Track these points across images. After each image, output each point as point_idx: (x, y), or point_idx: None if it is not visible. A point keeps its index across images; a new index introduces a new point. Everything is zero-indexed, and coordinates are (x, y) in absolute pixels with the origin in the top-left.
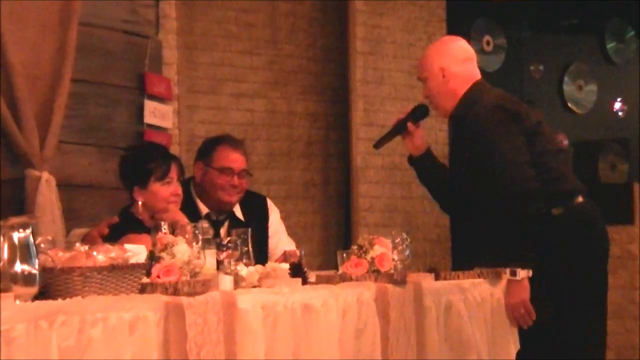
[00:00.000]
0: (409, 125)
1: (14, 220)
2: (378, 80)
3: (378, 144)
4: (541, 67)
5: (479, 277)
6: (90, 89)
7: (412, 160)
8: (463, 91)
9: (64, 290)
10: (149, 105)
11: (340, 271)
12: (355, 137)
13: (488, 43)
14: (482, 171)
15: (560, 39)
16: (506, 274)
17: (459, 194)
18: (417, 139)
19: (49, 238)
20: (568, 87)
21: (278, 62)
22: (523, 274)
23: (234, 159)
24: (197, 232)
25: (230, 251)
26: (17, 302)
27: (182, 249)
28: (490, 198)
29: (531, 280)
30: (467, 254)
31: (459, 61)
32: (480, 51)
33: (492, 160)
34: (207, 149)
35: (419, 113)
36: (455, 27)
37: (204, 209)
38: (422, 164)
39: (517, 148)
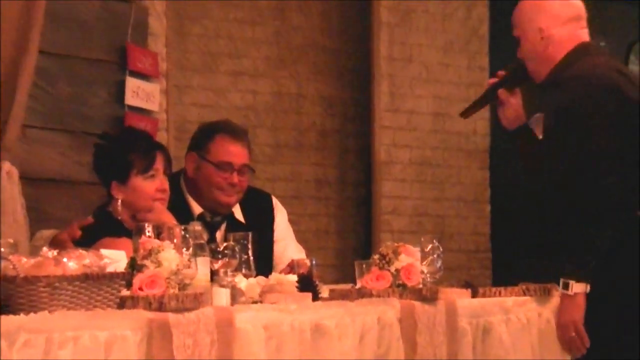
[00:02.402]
0: (500, 92)
1: None
2: (406, 57)
3: (465, 113)
4: (602, 44)
5: (524, 294)
6: (59, 64)
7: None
8: (563, 55)
9: (27, 303)
10: (131, 84)
11: (358, 285)
12: (378, 126)
13: None
14: (553, 156)
15: (625, 10)
16: (558, 289)
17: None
18: (509, 110)
19: (11, 241)
20: (634, 67)
21: (285, 35)
22: (577, 288)
23: (234, 152)
24: (187, 235)
25: (227, 259)
26: None
27: (170, 256)
28: (555, 194)
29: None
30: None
31: (561, 21)
32: None
33: (566, 150)
34: (202, 138)
35: (515, 76)
36: None
37: (196, 209)
38: (514, 141)
39: (602, 140)
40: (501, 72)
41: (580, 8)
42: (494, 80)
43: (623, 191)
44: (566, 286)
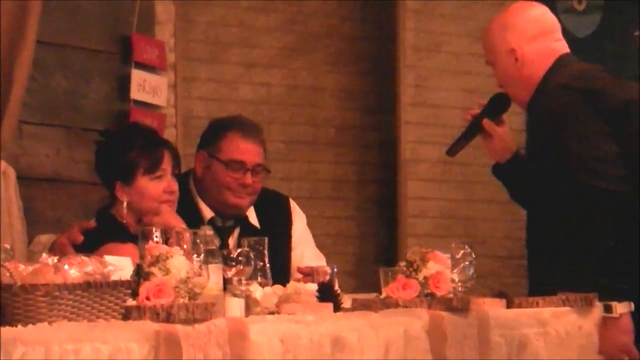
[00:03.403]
0: (485, 123)
1: None
2: (433, 47)
3: (451, 151)
4: (637, 33)
5: (564, 304)
6: (56, 54)
7: (496, 169)
8: (542, 74)
9: (25, 313)
10: (137, 76)
11: (383, 294)
12: (402, 121)
13: (580, 0)
14: (548, 173)
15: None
16: (599, 309)
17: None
18: (497, 141)
19: (7, 246)
20: None
21: (301, 22)
22: (621, 308)
23: (247, 151)
24: (198, 241)
25: (241, 267)
26: None
27: (179, 263)
28: (557, 208)
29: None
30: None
31: (531, 38)
32: (569, 11)
33: (556, 159)
34: (213, 136)
35: (497, 106)
36: None
37: (207, 212)
38: (509, 174)
39: (586, 139)
40: (482, 102)
41: (550, 21)
42: (475, 111)
43: (622, 194)
44: (608, 309)
